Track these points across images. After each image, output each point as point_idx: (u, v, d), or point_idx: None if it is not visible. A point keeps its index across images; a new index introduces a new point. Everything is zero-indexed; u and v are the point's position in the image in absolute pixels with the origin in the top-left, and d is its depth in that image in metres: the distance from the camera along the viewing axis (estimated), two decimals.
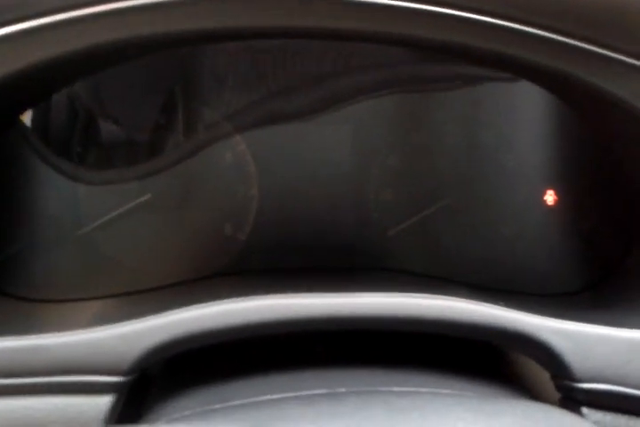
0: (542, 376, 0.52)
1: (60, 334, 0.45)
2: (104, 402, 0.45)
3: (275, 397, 0.44)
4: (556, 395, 0.50)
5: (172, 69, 0.64)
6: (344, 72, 0.65)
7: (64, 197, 0.62)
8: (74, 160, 0.62)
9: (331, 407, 0.39)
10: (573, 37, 0.46)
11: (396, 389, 0.45)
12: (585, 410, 0.47)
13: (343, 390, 0.45)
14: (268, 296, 0.47)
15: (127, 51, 0.51)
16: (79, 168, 0.62)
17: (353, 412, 0.38)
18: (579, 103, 0.58)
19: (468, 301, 0.47)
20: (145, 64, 0.63)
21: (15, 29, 0.42)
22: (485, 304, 0.47)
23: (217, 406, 0.45)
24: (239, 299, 0.46)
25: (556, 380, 0.49)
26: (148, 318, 0.45)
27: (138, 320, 0.45)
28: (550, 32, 0.46)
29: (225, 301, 0.46)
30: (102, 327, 0.45)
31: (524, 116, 0.65)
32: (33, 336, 0.44)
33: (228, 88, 0.64)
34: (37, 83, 0.53)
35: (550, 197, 0.65)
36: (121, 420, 0.47)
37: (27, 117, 0.62)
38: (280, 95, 0.64)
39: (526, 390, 0.51)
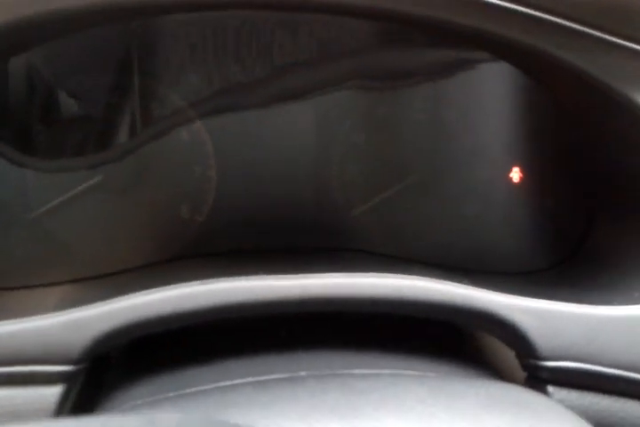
0: (508, 355, 0.51)
1: (6, 322, 0.42)
2: (53, 393, 0.43)
3: (232, 383, 0.43)
4: (522, 374, 0.50)
5: (129, 48, 0.62)
6: (309, 58, 0.63)
7: (13, 182, 0.59)
8: (23, 145, 0.60)
9: (287, 392, 0.38)
10: (542, 11, 0.45)
11: (357, 371, 0.43)
12: (550, 388, 0.47)
13: (303, 373, 0.43)
14: (221, 280, 0.45)
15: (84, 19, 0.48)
16: (29, 157, 0.59)
17: (310, 396, 0.36)
18: (545, 78, 0.57)
19: (429, 279, 0.45)
20: (100, 40, 0.60)
21: None
22: (447, 282, 0.46)
23: (171, 394, 0.43)
24: (189, 284, 0.44)
25: (521, 358, 0.48)
26: (97, 304, 0.43)
27: (86, 307, 0.43)
28: (522, 6, 0.45)
29: (174, 286, 0.44)
30: (49, 315, 0.43)
31: (488, 93, 0.64)
32: None
33: (186, 69, 0.61)
34: None
35: (515, 175, 0.64)
36: (74, 410, 0.45)
37: None
38: (241, 79, 0.62)
39: (492, 369, 0.50)
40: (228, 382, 0.43)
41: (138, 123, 0.62)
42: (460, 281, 0.48)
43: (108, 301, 0.44)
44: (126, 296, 0.43)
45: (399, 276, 0.45)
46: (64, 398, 0.43)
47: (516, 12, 0.45)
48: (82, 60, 0.61)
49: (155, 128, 0.61)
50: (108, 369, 0.50)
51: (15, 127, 0.61)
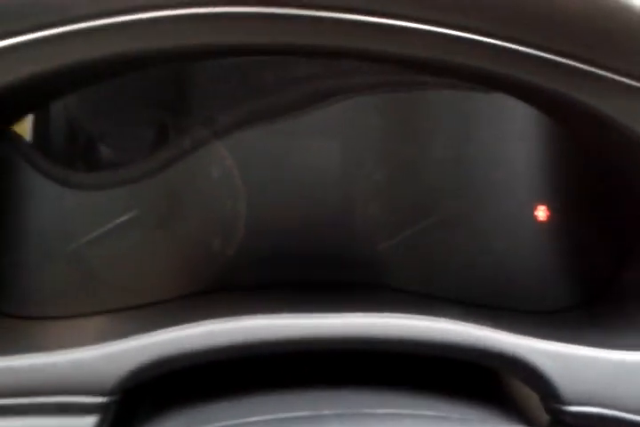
0: (533, 398, 0.51)
1: (42, 354, 0.44)
2: (87, 423, 0.45)
3: (257, 419, 0.44)
4: (547, 418, 0.50)
5: (165, 81, 0.65)
6: (325, 75, 0.64)
7: (52, 209, 0.61)
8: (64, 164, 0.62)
9: None
10: (563, 56, 0.46)
11: (379, 411, 0.44)
12: None
13: (327, 412, 0.44)
14: (254, 316, 0.46)
15: (117, 66, 0.51)
16: (69, 172, 0.62)
17: None
18: (567, 121, 0.58)
19: (454, 321, 0.46)
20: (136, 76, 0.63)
21: (11, 42, 0.42)
22: (471, 325, 0.46)
23: None
24: (224, 319, 0.46)
25: (544, 402, 0.48)
26: (132, 337, 0.45)
27: (121, 340, 0.45)
28: (541, 51, 0.46)
29: (209, 321, 0.46)
30: (84, 348, 0.45)
31: (514, 129, 0.64)
32: (11, 357, 0.44)
33: (214, 104, 0.64)
34: (29, 95, 0.53)
35: (541, 213, 0.64)
36: None
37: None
38: (268, 116, 0.64)
39: (516, 413, 0.51)
40: (254, 418, 0.44)
41: (170, 158, 0.64)
42: (483, 321, 0.48)
43: (142, 334, 0.45)
44: (160, 331, 0.45)
45: (424, 317, 0.46)
46: None
47: (532, 56, 0.46)
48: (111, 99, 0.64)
49: (187, 163, 0.63)
50: (139, 401, 0.51)
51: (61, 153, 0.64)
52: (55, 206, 0.61)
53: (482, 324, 0.48)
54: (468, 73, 0.49)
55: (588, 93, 0.47)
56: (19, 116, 0.60)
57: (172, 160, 0.63)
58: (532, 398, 0.51)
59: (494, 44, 0.45)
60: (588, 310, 0.62)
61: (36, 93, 0.55)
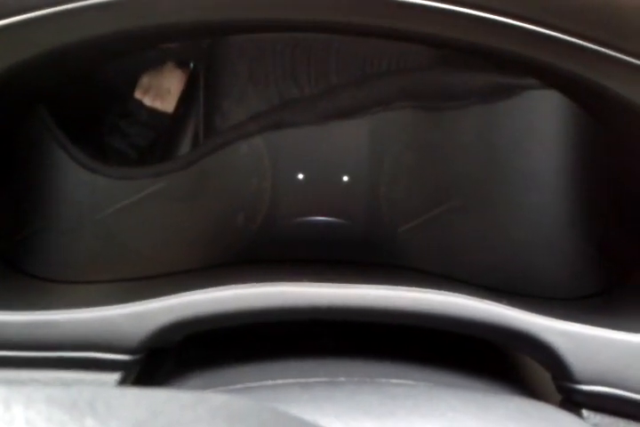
0: (545, 378, 0.52)
1: (70, 310, 0.46)
2: (111, 379, 0.47)
3: (275, 382, 0.45)
4: (558, 396, 0.50)
5: (196, 63, 0.66)
6: (364, 80, 0.66)
7: (82, 185, 0.63)
8: (95, 152, 0.64)
9: (327, 393, 0.40)
10: (605, 46, 0.46)
11: (394, 380, 0.45)
12: (585, 412, 0.47)
13: (342, 379, 0.45)
14: (277, 283, 0.48)
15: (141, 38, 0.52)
16: (100, 164, 0.64)
17: (348, 397, 0.39)
18: (600, 112, 0.58)
19: (470, 297, 0.47)
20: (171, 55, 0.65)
21: (32, 16, 0.44)
22: (487, 301, 0.47)
23: (220, 388, 0.46)
24: (248, 284, 0.47)
25: (556, 381, 0.49)
26: (156, 299, 0.47)
27: (146, 301, 0.47)
28: (582, 40, 0.46)
29: (232, 286, 0.47)
30: (111, 306, 0.47)
31: (540, 121, 0.65)
32: (44, 312, 0.46)
33: (248, 87, 0.65)
34: (54, 71, 0.55)
35: (564, 201, 0.65)
36: None
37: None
38: (298, 97, 0.65)
39: (528, 390, 0.51)
40: (272, 382, 0.46)
41: (201, 135, 0.66)
42: (499, 300, 0.49)
43: (166, 297, 0.47)
44: (184, 293, 0.47)
45: (440, 292, 0.47)
46: (121, 385, 0.47)
47: (570, 43, 0.47)
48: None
49: (216, 140, 0.65)
50: (161, 362, 0.53)
51: (89, 136, 0.66)
52: (84, 183, 0.63)
53: (497, 301, 0.48)
54: (509, 59, 0.49)
55: (626, 85, 0.47)
56: (48, 93, 0.62)
57: (201, 157, 0.65)
58: (545, 379, 0.52)
59: (539, 32, 0.46)
60: (606, 299, 0.62)
61: (59, 70, 0.56)
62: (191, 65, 0.64)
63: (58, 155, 0.62)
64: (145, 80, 0.63)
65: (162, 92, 0.62)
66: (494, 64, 0.61)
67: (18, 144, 0.61)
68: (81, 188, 0.63)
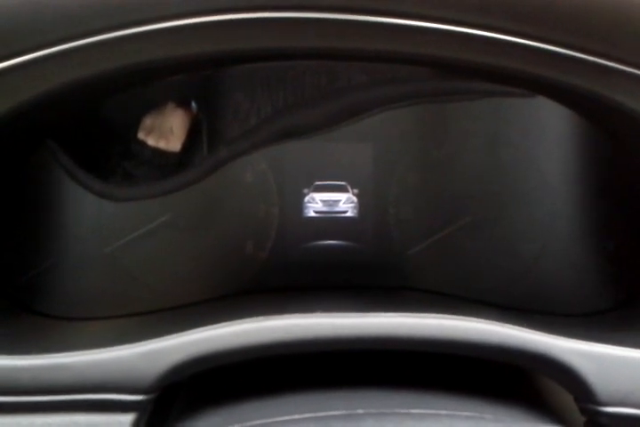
0: (568, 400, 0.51)
1: (82, 352, 0.46)
2: (126, 420, 0.46)
3: (291, 418, 0.44)
4: (582, 419, 0.49)
5: (194, 91, 0.66)
6: (363, 87, 0.65)
7: (91, 216, 0.63)
8: (103, 178, 0.64)
9: None
10: (596, 55, 0.46)
11: (414, 411, 0.44)
12: None
13: (361, 411, 0.44)
14: (287, 316, 0.47)
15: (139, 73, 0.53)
16: (107, 186, 0.63)
17: None
18: (603, 122, 0.58)
19: (488, 321, 0.46)
20: (169, 86, 0.64)
21: (44, 53, 0.44)
22: (508, 325, 0.46)
23: (236, 425, 0.45)
24: (258, 319, 0.47)
25: (579, 403, 0.48)
26: (168, 337, 0.46)
27: (158, 339, 0.46)
28: (574, 50, 0.46)
29: (243, 320, 0.46)
30: (124, 346, 0.46)
31: (547, 132, 0.64)
32: (56, 355, 0.45)
33: (249, 106, 0.65)
34: (64, 104, 0.55)
35: (576, 216, 0.64)
36: None
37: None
38: (299, 111, 0.65)
39: (551, 413, 0.50)
40: (288, 417, 0.45)
41: (207, 164, 0.65)
42: (517, 322, 0.48)
43: (179, 333, 0.46)
44: (196, 330, 0.46)
45: (461, 318, 0.46)
46: (136, 425, 0.46)
47: (575, 58, 0.46)
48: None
49: (223, 169, 0.64)
50: (175, 399, 0.52)
51: (100, 169, 0.66)
52: (92, 214, 0.63)
53: (516, 324, 0.47)
54: (504, 74, 0.49)
55: (621, 92, 0.47)
56: (58, 127, 0.62)
57: (208, 173, 0.65)
58: (566, 400, 0.51)
59: (531, 46, 0.46)
60: (622, 313, 0.61)
61: (74, 101, 0.56)
62: (193, 104, 0.64)
63: (66, 186, 0.62)
64: (147, 121, 0.63)
65: (165, 132, 0.62)
66: (497, 82, 0.60)
67: (25, 182, 0.61)
68: (89, 222, 0.63)
